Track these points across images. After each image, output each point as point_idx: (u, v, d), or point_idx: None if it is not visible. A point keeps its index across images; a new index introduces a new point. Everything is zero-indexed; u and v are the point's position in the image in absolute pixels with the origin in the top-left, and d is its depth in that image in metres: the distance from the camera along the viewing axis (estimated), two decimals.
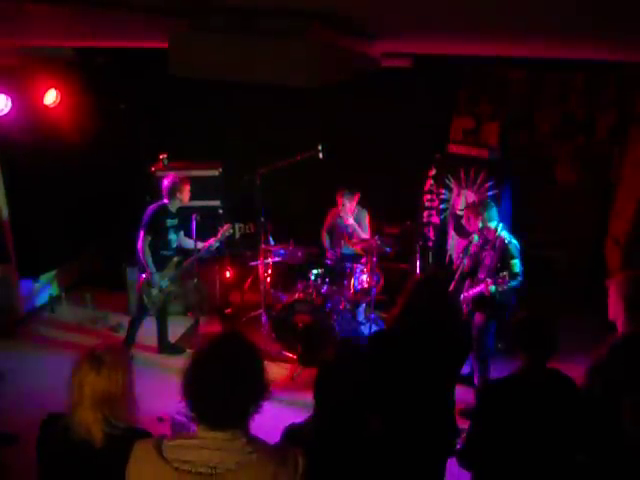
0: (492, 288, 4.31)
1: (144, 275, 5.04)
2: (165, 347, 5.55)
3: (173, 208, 5.08)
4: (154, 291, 5.09)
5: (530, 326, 2.51)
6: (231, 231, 5.39)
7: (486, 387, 2.69)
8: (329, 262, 5.89)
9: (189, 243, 5.27)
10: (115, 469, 1.91)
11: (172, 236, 5.15)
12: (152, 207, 5.03)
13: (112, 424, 1.98)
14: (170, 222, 5.09)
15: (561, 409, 2.42)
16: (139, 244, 4.95)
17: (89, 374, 1.96)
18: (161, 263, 5.08)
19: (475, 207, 4.74)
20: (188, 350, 5.49)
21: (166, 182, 5.04)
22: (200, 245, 5.21)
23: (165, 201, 5.05)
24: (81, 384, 1.96)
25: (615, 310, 2.83)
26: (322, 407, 2.08)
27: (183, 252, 5.31)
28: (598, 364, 2.71)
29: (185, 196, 5.09)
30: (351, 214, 5.78)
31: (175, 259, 5.19)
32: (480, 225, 4.62)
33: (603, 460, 2.48)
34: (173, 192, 5.01)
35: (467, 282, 4.78)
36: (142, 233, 4.95)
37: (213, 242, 5.24)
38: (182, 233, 5.30)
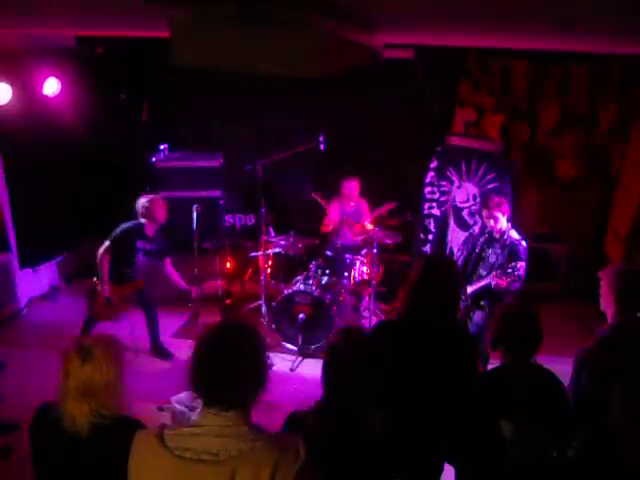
0: (502, 282, 4.27)
1: (95, 279, 4.84)
2: (153, 348, 5.33)
3: (149, 231, 4.88)
4: (99, 299, 4.85)
5: (512, 324, 2.50)
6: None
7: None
8: (329, 253, 5.90)
9: (176, 280, 5.08)
10: (101, 459, 1.95)
11: (141, 259, 4.93)
12: (127, 224, 4.83)
13: (100, 414, 1.99)
14: (142, 244, 4.89)
15: (544, 404, 2.42)
16: (100, 249, 4.76)
17: (74, 364, 1.99)
18: (118, 279, 4.86)
19: (491, 208, 4.46)
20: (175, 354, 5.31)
21: (138, 203, 4.83)
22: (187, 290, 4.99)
23: (142, 221, 4.85)
24: (67, 374, 1.99)
25: (606, 302, 2.87)
26: (329, 392, 2.10)
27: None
28: (585, 355, 2.73)
29: (159, 215, 4.87)
30: (354, 201, 5.92)
31: (136, 284, 4.96)
32: (491, 223, 4.49)
33: (590, 449, 2.49)
34: (143, 214, 4.82)
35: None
36: (107, 242, 4.76)
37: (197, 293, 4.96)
38: (168, 261, 5.07)
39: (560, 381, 2.55)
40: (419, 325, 2.60)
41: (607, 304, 2.85)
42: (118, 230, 4.82)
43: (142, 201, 4.86)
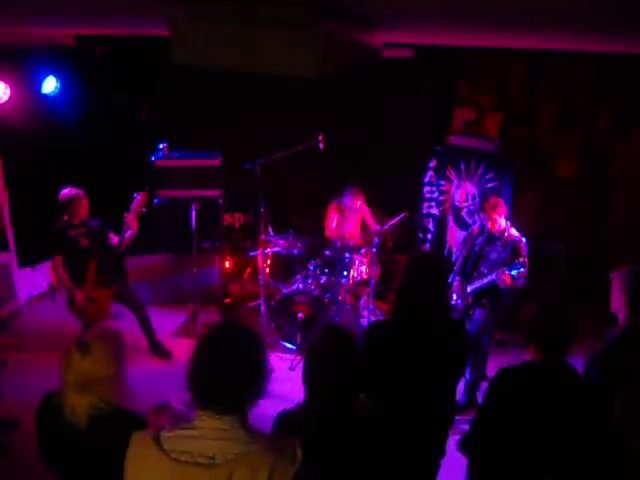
0: (510, 279, 4.24)
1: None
2: (151, 347, 5.33)
3: (74, 220, 4.82)
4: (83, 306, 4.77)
5: (547, 321, 2.47)
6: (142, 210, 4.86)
7: (500, 373, 2.61)
8: (328, 253, 5.90)
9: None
10: (99, 451, 1.98)
11: (84, 243, 4.84)
12: (51, 228, 4.80)
13: (100, 407, 2.02)
14: (73, 232, 4.81)
15: (572, 404, 2.39)
16: (52, 268, 4.75)
17: (74, 358, 2.02)
18: (80, 277, 4.79)
19: (487, 210, 4.52)
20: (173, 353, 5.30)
21: (60, 196, 4.78)
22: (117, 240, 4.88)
23: (64, 217, 4.82)
24: (67, 368, 2.03)
25: (617, 303, 2.86)
26: (310, 391, 2.10)
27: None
28: (596, 355, 2.73)
29: (81, 211, 4.82)
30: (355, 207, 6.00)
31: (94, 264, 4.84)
32: (489, 225, 4.51)
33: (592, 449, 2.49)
34: (65, 207, 4.78)
35: (459, 278, 4.72)
36: (52, 259, 4.76)
37: (128, 234, 4.83)
38: (110, 236, 4.94)
39: (592, 383, 2.53)
40: (410, 321, 2.59)
41: (619, 305, 2.84)
42: (48, 239, 4.78)
43: (62, 195, 4.77)
